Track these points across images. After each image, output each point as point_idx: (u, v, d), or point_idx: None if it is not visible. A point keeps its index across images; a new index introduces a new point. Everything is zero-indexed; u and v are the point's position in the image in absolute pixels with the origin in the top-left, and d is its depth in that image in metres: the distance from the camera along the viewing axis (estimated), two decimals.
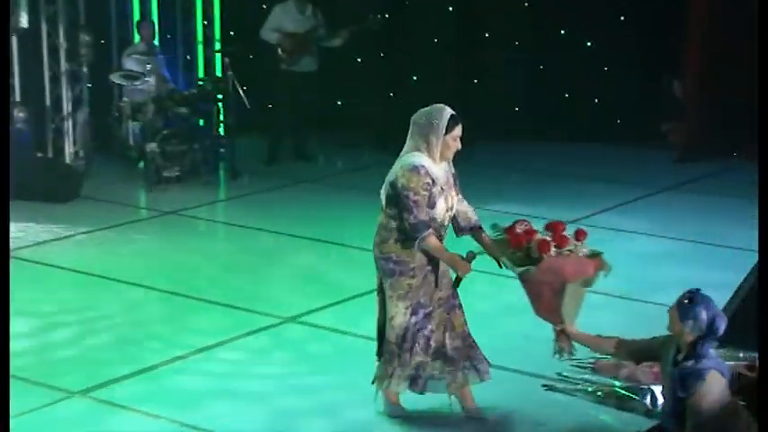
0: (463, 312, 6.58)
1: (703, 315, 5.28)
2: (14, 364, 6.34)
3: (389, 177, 6.28)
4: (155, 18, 13.55)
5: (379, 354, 6.61)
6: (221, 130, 12.77)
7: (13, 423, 5.72)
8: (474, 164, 13.12)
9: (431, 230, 6.23)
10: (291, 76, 12.94)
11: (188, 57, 14.10)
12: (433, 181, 6.24)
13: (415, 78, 14.50)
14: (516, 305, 6.98)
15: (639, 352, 5.81)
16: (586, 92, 14.17)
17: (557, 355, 6.18)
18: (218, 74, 13.31)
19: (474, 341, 6.63)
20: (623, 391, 6.78)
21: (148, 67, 12.08)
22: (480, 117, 14.15)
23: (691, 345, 5.34)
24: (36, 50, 12.31)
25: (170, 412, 6.62)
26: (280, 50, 12.86)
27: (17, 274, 7.68)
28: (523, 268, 6.07)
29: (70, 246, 10.06)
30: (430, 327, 6.43)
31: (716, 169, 12.74)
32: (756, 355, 6.60)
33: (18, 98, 12.25)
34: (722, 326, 5.33)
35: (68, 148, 12.25)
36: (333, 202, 11.71)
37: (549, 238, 6.06)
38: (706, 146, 13.24)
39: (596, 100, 14.26)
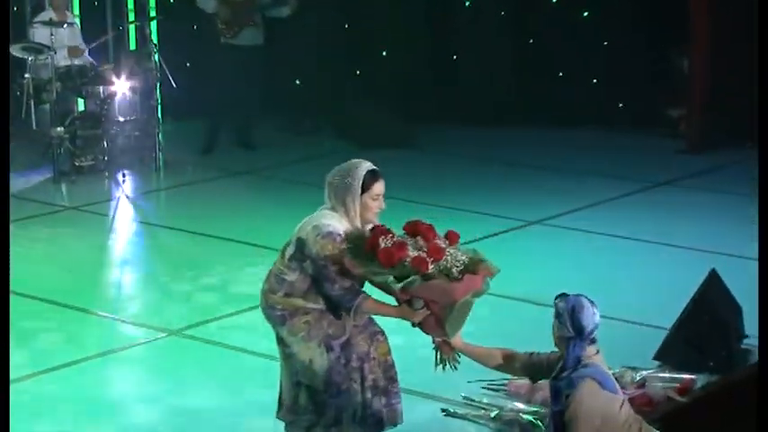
0: (386, 339, 6.01)
1: (566, 312, 4.92)
2: None
3: (299, 233, 5.78)
4: None
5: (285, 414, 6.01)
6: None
7: None
8: (446, 153, 12.82)
9: (362, 294, 5.71)
10: (232, 50, 12.35)
11: (120, 27, 13.65)
12: (355, 247, 5.63)
13: (384, 53, 14.11)
14: None
15: (532, 366, 5.38)
16: (582, 70, 13.70)
17: (439, 367, 5.78)
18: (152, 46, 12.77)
19: (396, 373, 6.08)
20: (529, 417, 6.51)
21: (53, 38, 11.56)
22: (458, 99, 13.80)
23: (563, 350, 4.91)
24: None
25: None
26: (218, 21, 12.41)
27: None
28: (405, 282, 5.61)
29: None
30: (355, 355, 5.86)
31: (726, 161, 12.21)
32: (692, 377, 6.85)
33: None
34: (588, 324, 4.92)
35: None
36: (266, 197, 11.24)
37: (424, 254, 5.58)
38: (717, 134, 12.69)
39: (594, 80, 13.77)
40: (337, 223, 5.74)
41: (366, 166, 5.86)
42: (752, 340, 7.27)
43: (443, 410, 6.72)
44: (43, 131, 11.71)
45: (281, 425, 5.97)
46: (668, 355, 7.18)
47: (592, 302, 4.98)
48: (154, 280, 8.97)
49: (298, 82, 14.23)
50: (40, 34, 11.86)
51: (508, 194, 11.21)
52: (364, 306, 5.75)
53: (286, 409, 5.97)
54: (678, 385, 6.74)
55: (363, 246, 5.61)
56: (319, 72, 13.92)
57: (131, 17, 13.45)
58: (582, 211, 10.64)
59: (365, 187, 5.79)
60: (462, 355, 5.70)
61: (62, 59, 11.80)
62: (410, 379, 6.80)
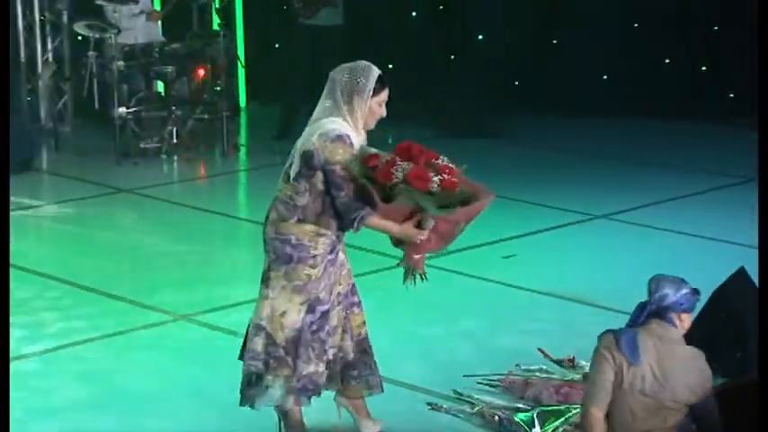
0: (362, 311, 6.33)
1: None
2: None
3: (303, 146, 5.97)
4: None
5: (243, 356, 6.23)
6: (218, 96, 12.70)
7: None
8: (529, 142, 13.03)
9: (367, 209, 5.94)
10: (309, 30, 12.76)
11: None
12: (366, 154, 5.95)
13: (480, 37, 14.33)
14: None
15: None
16: (689, 58, 13.71)
17: (408, 282, 6.17)
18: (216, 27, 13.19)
19: (370, 347, 6.36)
20: (511, 414, 6.65)
21: (115, 15, 12.10)
22: (555, 86, 13.94)
23: None
24: None
25: None
26: (295, 1, 12.77)
27: None
28: (446, 210, 5.96)
29: None
30: (327, 328, 6.13)
31: None
32: None
33: None
34: (656, 291, 5.43)
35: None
36: None
37: (446, 177, 5.89)
38: None
39: (703, 68, 13.79)
40: (342, 127, 5.95)
41: (377, 70, 6.10)
42: None
43: (429, 404, 6.88)
44: (106, 112, 12.24)
45: None
46: None
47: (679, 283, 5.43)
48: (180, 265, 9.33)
49: (390, 66, 14.49)
50: (118, 13, 12.34)
51: (581, 187, 11.40)
52: (368, 220, 5.95)
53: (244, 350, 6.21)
54: None
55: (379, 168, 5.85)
56: (412, 56, 14.17)
57: None
58: (653, 207, 10.73)
59: (375, 91, 6.03)
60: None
61: (131, 38, 12.28)
62: (400, 371, 7.14)
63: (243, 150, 12.76)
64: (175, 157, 12.22)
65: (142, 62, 12.12)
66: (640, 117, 13.51)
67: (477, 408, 6.75)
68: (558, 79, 13.93)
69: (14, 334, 7.63)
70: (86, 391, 7.04)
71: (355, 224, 5.97)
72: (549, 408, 6.63)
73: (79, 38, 12.66)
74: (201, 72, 12.52)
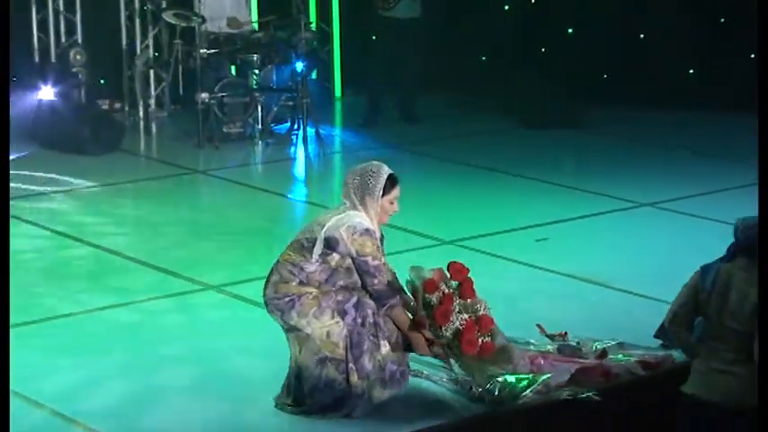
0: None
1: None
2: None
3: (328, 232, 6.49)
4: None
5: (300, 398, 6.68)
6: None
7: None
8: (606, 134, 13.27)
9: (398, 299, 6.56)
10: (388, 22, 13.21)
11: None
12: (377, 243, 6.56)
13: (570, 31, 14.60)
14: None
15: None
16: None
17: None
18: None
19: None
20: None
21: (201, 5, 12.67)
22: (638, 79, 14.08)
23: None
24: None
25: None
26: None
27: None
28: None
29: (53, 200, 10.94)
30: (371, 311, 6.60)
31: None
32: (666, 354, 7.30)
33: (80, 39, 13.37)
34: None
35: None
36: (403, 171, 12.02)
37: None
38: None
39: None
40: (367, 222, 6.54)
41: (386, 170, 6.65)
42: None
43: (411, 370, 6.96)
44: (191, 97, 12.81)
45: None
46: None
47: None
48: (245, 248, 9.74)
49: (484, 58, 14.87)
50: (205, 2, 12.98)
51: (641, 176, 11.61)
52: (396, 311, 6.62)
53: (311, 392, 6.62)
54: (642, 360, 7.11)
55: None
56: (504, 48, 14.50)
57: None
58: (705, 197, 10.89)
59: (385, 191, 6.57)
60: None
61: (219, 27, 12.85)
62: None
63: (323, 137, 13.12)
64: (258, 142, 12.68)
65: (227, 50, 12.61)
66: (726, 111, 13.56)
67: (454, 375, 6.96)
68: (645, 73, 14.07)
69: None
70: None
71: (385, 310, 6.60)
72: (520, 375, 6.94)
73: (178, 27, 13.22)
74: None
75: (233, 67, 13.33)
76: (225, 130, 12.65)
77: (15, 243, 8.34)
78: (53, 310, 8.29)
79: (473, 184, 11.46)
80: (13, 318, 6.91)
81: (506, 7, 14.72)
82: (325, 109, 13.97)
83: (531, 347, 7.28)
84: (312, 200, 11.24)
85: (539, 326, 7.65)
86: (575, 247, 9.65)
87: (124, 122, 12.99)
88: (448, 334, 6.58)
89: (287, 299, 6.56)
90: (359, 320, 6.59)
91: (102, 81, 13.85)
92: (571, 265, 9.07)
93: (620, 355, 7.18)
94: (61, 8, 13.42)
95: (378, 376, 6.62)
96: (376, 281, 6.53)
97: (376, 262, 6.51)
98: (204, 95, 12.41)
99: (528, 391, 6.77)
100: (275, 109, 12.94)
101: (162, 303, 8.47)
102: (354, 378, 6.57)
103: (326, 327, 6.53)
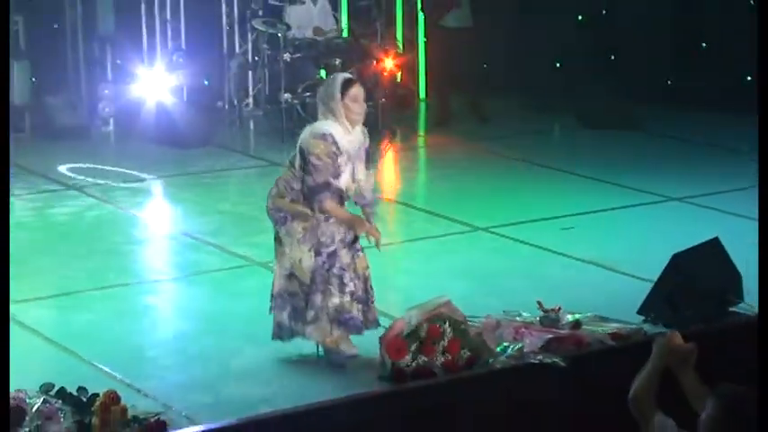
0: (365, 256, 7.35)
1: None
2: None
3: (299, 143, 7.14)
4: None
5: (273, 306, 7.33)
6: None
7: None
8: (660, 135, 13.53)
9: (328, 194, 7.07)
10: (442, 32, 13.71)
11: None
12: (339, 150, 7.07)
13: (637, 40, 14.90)
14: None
15: None
16: None
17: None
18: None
19: (371, 287, 7.40)
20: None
21: (287, 14, 13.30)
22: (705, 86, 14.29)
23: None
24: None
25: None
26: (423, 6, 13.78)
27: None
28: None
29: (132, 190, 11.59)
30: (338, 265, 7.16)
31: None
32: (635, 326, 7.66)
33: (184, 44, 14.11)
34: None
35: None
36: (458, 166, 12.47)
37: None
38: None
39: None
40: (331, 128, 7.07)
41: (343, 75, 7.29)
42: (746, 307, 7.96)
43: None
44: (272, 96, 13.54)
45: None
46: (649, 310, 7.93)
47: None
48: None
49: (558, 65, 15.22)
50: (292, 12, 13.56)
51: (680, 173, 11.88)
52: (325, 203, 7.09)
53: (278, 295, 7.27)
54: (614, 332, 7.47)
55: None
56: (575, 55, 14.85)
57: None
58: (734, 193, 11.08)
59: (344, 92, 7.08)
60: None
61: (304, 35, 13.43)
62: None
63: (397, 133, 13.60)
64: None
65: (310, 54, 13.19)
66: None
67: None
68: (706, 79, 14.30)
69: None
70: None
71: (315, 206, 7.07)
72: (503, 344, 7.38)
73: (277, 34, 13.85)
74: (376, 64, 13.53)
75: (323, 72, 13.81)
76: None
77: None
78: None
79: (519, 178, 11.91)
80: None
81: (579, 17, 15.01)
82: (408, 109, 14.48)
83: (518, 319, 7.70)
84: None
85: (538, 302, 8.00)
86: (596, 235, 10.04)
87: (220, 119, 13.60)
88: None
89: (281, 213, 7.17)
90: (326, 266, 7.15)
91: (206, 82, 14.49)
92: (587, 250, 9.49)
93: (593, 327, 7.55)
94: (168, 16, 14.09)
95: (330, 317, 7.16)
96: (311, 178, 7.04)
97: (317, 162, 7.00)
98: (287, 96, 13.01)
99: (503, 356, 7.23)
100: None
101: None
102: (311, 311, 7.16)
103: (302, 254, 7.13)
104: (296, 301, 7.25)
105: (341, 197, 7.24)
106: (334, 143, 7.05)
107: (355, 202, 7.46)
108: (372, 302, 7.41)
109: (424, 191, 12.07)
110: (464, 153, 12.91)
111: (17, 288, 8.24)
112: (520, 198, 11.18)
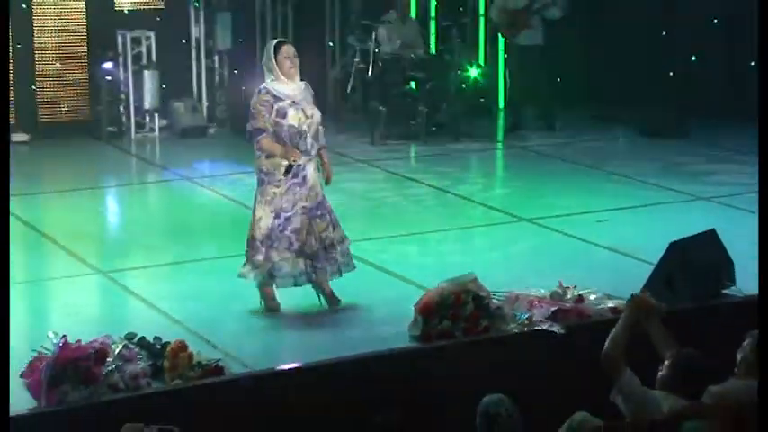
0: (327, 221, 8.05)
1: None
2: None
3: None
4: None
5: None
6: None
7: None
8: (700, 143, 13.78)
9: (265, 134, 7.83)
10: (516, 49, 14.14)
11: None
12: (276, 97, 7.84)
13: (694, 58, 15.19)
14: None
15: None
16: None
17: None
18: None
19: (332, 245, 8.13)
20: None
21: (379, 32, 13.90)
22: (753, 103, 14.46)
23: None
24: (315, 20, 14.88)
25: None
26: (500, 26, 14.19)
27: None
28: None
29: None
30: (290, 228, 7.91)
31: None
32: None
33: None
34: None
35: None
36: (514, 166, 13.14)
37: None
38: None
39: None
40: (268, 84, 7.91)
41: (276, 40, 8.15)
42: (736, 290, 8.33)
43: None
44: (361, 104, 14.19)
45: None
46: (650, 289, 8.28)
47: None
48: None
49: (623, 80, 15.52)
50: (382, 31, 14.15)
51: (713, 176, 12.16)
52: (261, 142, 7.87)
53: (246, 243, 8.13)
54: (613, 306, 7.86)
55: None
56: (638, 71, 15.17)
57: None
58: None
59: (276, 52, 7.90)
60: None
61: (394, 50, 13.99)
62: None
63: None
64: (418, 142, 13.68)
65: (396, 67, 13.75)
66: None
67: None
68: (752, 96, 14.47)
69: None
70: None
71: (254, 144, 7.89)
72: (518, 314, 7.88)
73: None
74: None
75: (413, 83, 14.34)
76: (392, 130, 13.71)
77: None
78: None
79: (571, 178, 12.23)
80: None
81: (642, 38, 15.33)
82: (487, 117, 14.95)
83: (533, 293, 8.18)
84: (432, 183, 12.11)
85: (560, 281, 8.44)
86: (626, 227, 10.41)
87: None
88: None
89: (261, 175, 7.99)
90: (280, 228, 7.92)
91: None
92: (615, 240, 9.88)
93: (597, 302, 7.97)
94: (278, 34, 14.74)
95: (268, 267, 7.99)
96: (249, 124, 7.90)
97: (253, 110, 7.86)
98: (375, 103, 13.63)
99: (515, 324, 7.75)
100: (437, 117, 13.99)
101: None
102: (253, 255, 8.02)
103: (263, 214, 7.93)
104: (249, 243, 8.08)
105: (298, 133, 7.92)
106: (268, 93, 7.86)
107: (318, 148, 8.17)
108: (335, 257, 8.12)
109: (490, 188, 12.51)
110: (530, 157, 13.36)
111: (132, 258, 9.39)
112: (566, 195, 11.52)
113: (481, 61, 15.40)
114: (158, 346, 7.13)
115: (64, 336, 6.72)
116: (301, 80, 8.11)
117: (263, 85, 7.96)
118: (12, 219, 10.40)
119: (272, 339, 7.85)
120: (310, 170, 8.05)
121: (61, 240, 9.98)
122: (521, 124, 14.49)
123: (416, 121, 13.73)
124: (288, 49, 7.98)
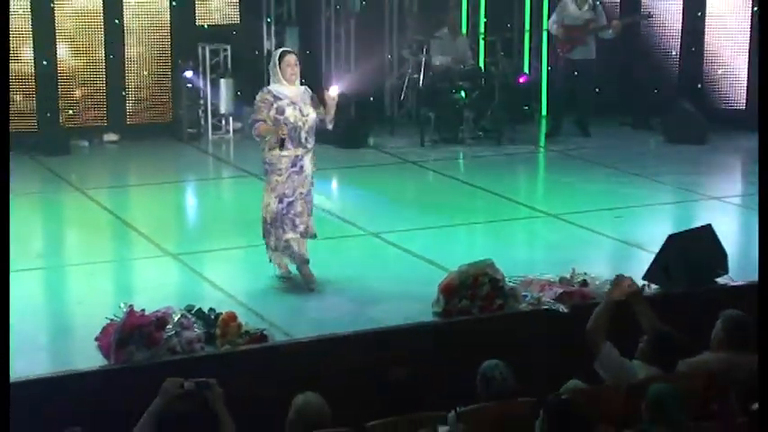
0: (311, 206, 8.82)
1: None
2: None
3: None
4: (464, 6, 15.50)
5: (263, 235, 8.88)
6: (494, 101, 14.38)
7: None
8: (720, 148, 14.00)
9: (262, 123, 8.52)
10: (569, 63, 14.44)
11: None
12: (276, 97, 8.52)
13: (720, 72, 15.43)
14: None
15: None
16: None
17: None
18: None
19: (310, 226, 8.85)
20: None
21: (431, 46, 14.41)
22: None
23: None
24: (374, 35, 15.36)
25: None
26: (557, 41, 14.50)
27: None
28: None
29: None
30: (293, 211, 8.59)
31: None
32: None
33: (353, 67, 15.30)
34: None
35: None
36: (546, 167, 13.60)
37: None
38: None
39: None
40: (272, 85, 8.59)
41: (281, 49, 8.83)
42: (728, 278, 8.70)
43: None
44: (413, 109, 14.76)
45: None
46: (650, 276, 8.72)
47: None
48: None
49: (656, 91, 15.83)
50: (434, 45, 14.62)
51: (728, 177, 12.50)
52: (260, 128, 8.55)
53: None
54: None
55: None
56: (668, 83, 15.47)
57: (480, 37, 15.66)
58: None
59: (280, 60, 8.57)
60: None
61: (445, 62, 14.44)
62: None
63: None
64: (466, 145, 14.06)
65: (444, 77, 14.17)
66: None
67: None
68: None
69: None
70: None
71: (253, 131, 8.60)
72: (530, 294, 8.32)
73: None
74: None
75: (462, 92, 14.71)
76: (441, 134, 14.12)
77: None
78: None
79: (596, 178, 12.55)
80: None
81: (672, 53, 15.62)
82: (528, 123, 15.30)
83: (544, 278, 8.60)
84: (473, 182, 12.49)
85: (573, 268, 8.77)
86: (640, 223, 10.74)
87: (381, 126, 14.72)
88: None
89: (266, 166, 8.69)
90: (283, 211, 8.62)
91: (371, 99, 15.59)
92: (627, 234, 10.24)
93: (600, 286, 8.28)
94: (342, 48, 15.27)
95: (282, 246, 8.73)
96: (251, 117, 8.64)
97: (255, 105, 8.59)
98: (425, 109, 14.09)
99: (525, 303, 8.20)
100: (481, 123, 14.42)
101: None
102: (267, 238, 8.77)
103: (270, 200, 8.61)
104: (263, 224, 8.78)
105: (294, 128, 8.53)
106: (269, 93, 8.54)
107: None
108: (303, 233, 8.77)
109: (523, 186, 12.93)
110: (564, 159, 13.71)
111: (201, 243, 10.04)
112: (591, 193, 11.89)
113: (525, 72, 15.77)
114: (212, 317, 7.65)
115: (131, 305, 7.27)
116: (302, 84, 8.75)
117: (268, 87, 8.66)
118: (99, 208, 11.16)
119: (313, 312, 8.37)
120: (306, 161, 8.68)
121: (141, 228, 10.55)
122: (559, 130, 14.81)
123: (463, 127, 14.13)
124: (290, 59, 8.61)
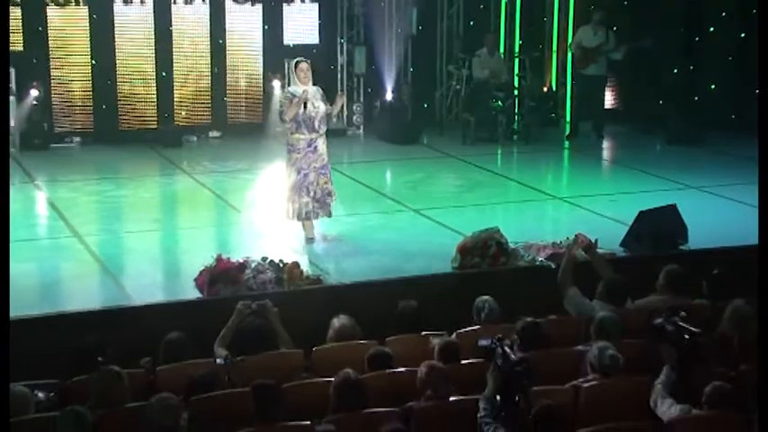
0: (328, 177, 9.77)
1: None
2: None
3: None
4: (501, 30, 16.38)
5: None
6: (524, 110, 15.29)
7: None
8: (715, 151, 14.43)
9: (288, 110, 9.61)
10: (583, 77, 15.25)
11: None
12: (293, 95, 9.62)
13: (713, 87, 15.99)
14: None
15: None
16: None
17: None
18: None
19: (330, 193, 9.84)
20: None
21: (472, 62, 15.25)
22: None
23: None
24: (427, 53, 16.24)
25: None
26: (573, 58, 15.35)
27: None
28: None
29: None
30: (308, 181, 9.62)
31: None
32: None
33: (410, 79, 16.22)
34: None
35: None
36: (551, 163, 14.27)
37: None
38: None
39: None
40: (292, 87, 9.85)
41: (296, 59, 9.86)
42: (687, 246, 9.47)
43: None
44: (455, 113, 15.68)
45: None
46: (626, 243, 9.56)
47: None
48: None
49: (661, 102, 16.43)
50: (474, 61, 15.47)
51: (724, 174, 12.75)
52: (287, 112, 9.60)
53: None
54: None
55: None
56: (672, 94, 16.04)
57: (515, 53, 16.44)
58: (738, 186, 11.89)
59: (296, 67, 9.77)
60: None
61: (484, 76, 15.27)
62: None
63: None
64: (500, 144, 14.83)
65: (483, 88, 15.02)
66: None
67: None
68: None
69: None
70: None
71: (283, 117, 9.71)
72: (527, 254, 9.22)
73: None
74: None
75: (498, 101, 15.47)
76: (479, 135, 14.91)
77: None
78: None
79: (603, 172, 13.35)
80: None
81: (675, 70, 16.23)
82: (553, 127, 16.00)
83: (541, 243, 9.41)
84: (500, 172, 13.32)
85: (567, 237, 9.59)
86: (629, 205, 11.35)
87: (432, 128, 15.45)
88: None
89: (288, 146, 9.70)
90: (301, 181, 9.67)
91: (425, 105, 16.49)
92: (620, 214, 10.81)
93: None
94: (401, 63, 16.18)
95: (301, 209, 9.69)
96: (282, 110, 9.76)
97: (282, 101, 9.88)
98: (467, 114, 15.00)
99: (523, 261, 9.10)
100: (516, 128, 15.29)
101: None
102: (289, 201, 9.74)
103: (290, 172, 9.71)
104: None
105: (309, 117, 9.53)
106: (289, 92, 9.71)
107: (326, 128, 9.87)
108: (328, 203, 9.82)
109: (542, 176, 13.53)
110: (579, 157, 14.48)
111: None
112: (594, 182, 12.65)
113: (553, 85, 16.57)
114: (281, 265, 8.69)
115: (219, 254, 8.37)
116: (314, 85, 9.80)
117: (289, 88, 10.03)
118: (205, 190, 12.25)
119: (362, 264, 9.37)
120: (320, 143, 9.77)
121: (233, 202, 11.62)
122: (577, 133, 15.58)
123: (498, 129, 14.96)
124: (302, 65, 9.78)
